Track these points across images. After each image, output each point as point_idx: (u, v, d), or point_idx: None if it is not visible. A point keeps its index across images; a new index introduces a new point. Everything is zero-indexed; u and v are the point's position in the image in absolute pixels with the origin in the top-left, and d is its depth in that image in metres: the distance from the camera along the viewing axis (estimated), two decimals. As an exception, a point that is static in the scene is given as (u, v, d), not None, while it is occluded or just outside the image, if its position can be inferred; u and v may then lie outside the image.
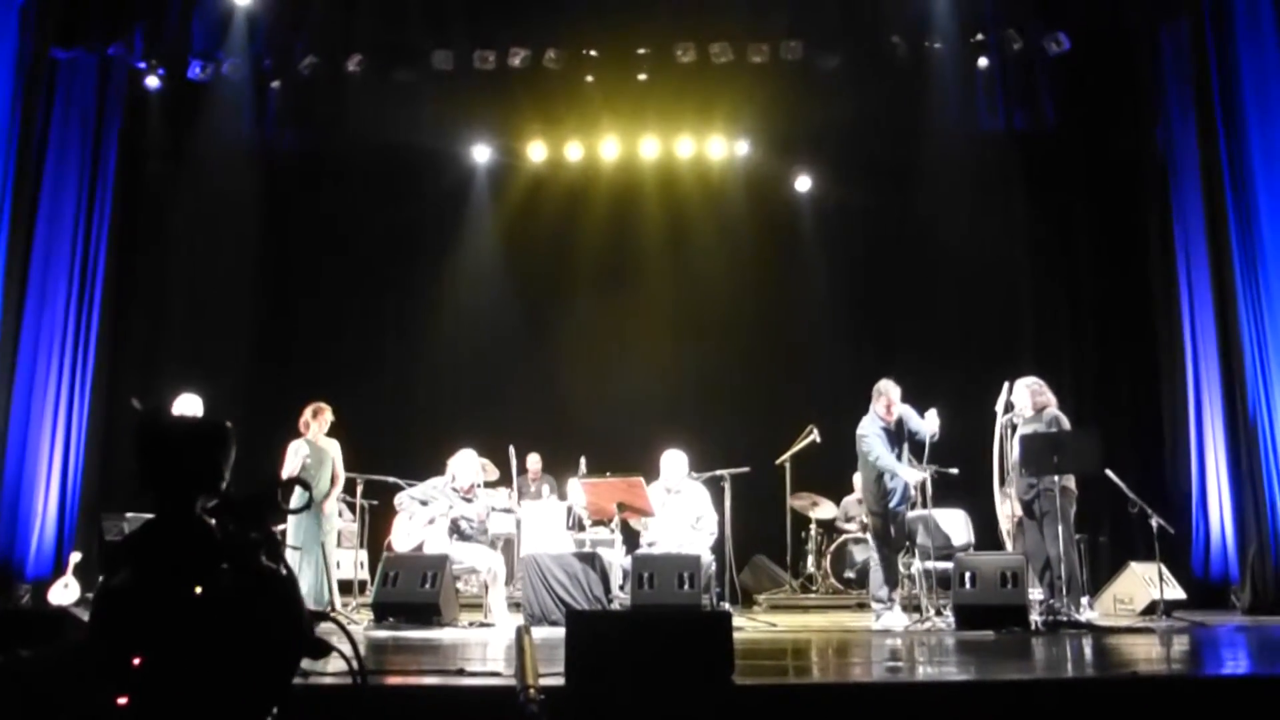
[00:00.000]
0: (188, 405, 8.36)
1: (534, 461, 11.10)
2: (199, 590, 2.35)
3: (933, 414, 7.97)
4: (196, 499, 2.49)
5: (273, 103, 11.56)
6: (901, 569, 8.40)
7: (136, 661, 2.25)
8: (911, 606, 8.29)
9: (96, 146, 10.48)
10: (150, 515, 2.53)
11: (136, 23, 10.56)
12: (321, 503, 8.58)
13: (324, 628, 2.88)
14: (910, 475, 7.98)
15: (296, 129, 11.67)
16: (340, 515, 9.68)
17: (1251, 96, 9.16)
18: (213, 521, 2.45)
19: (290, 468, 8.47)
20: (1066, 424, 7.84)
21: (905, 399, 8.33)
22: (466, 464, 8.62)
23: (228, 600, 2.36)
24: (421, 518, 8.38)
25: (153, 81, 11.10)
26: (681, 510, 8.50)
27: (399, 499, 8.56)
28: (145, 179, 11.09)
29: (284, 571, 2.50)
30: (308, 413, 8.73)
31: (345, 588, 9.44)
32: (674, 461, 8.60)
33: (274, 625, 2.39)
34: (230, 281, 11.38)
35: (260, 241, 11.63)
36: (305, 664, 4.35)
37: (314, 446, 8.61)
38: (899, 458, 8.04)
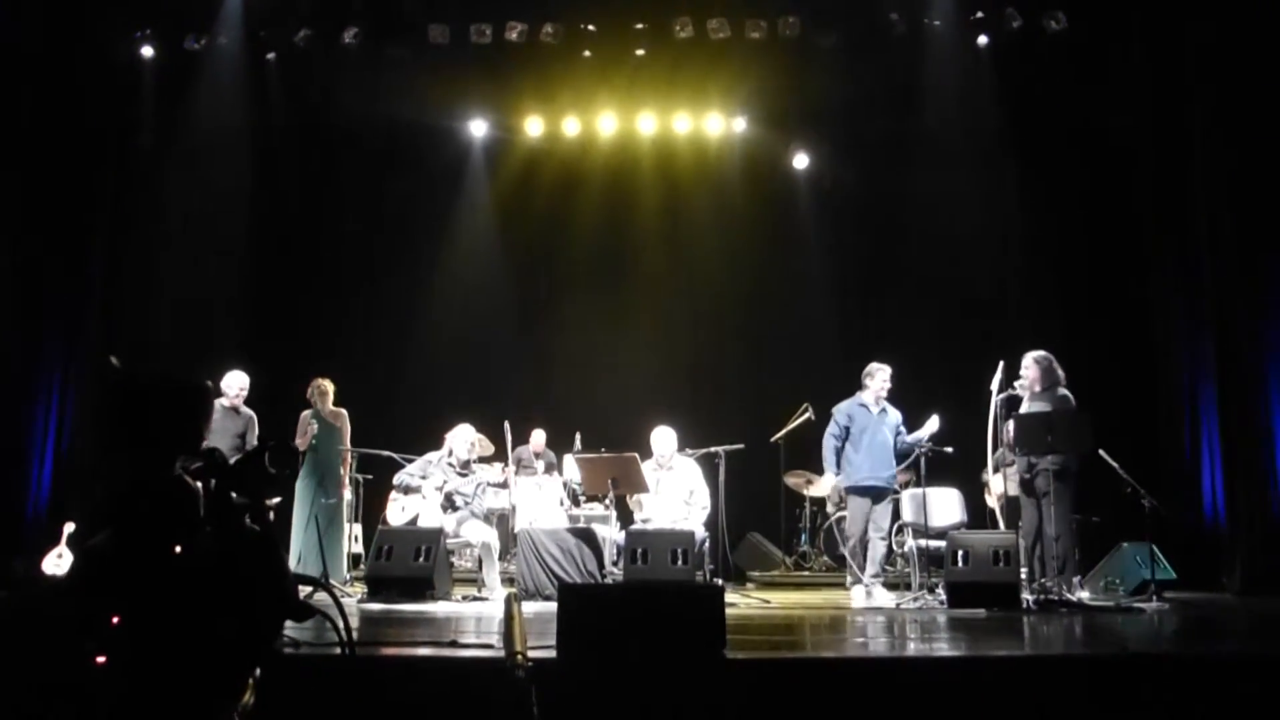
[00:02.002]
0: (235, 381, 8.44)
1: (538, 436, 11.10)
2: (178, 550, 2.34)
3: (933, 420, 8.18)
4: (176, 459, 2.49)
5: (268, 75, 11.47)
6: (895, 548, 8.46)
7: (115, 621, 2.25)
8: (903, 584, 8.34)
9: (90, 116, 10.41)
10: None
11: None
12: (339, 484, 8.74)
13: (317, 597, 2.88)
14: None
15: (291, 101, 11.57)
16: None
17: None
18: (196, 483, 2.44)
19: (300, 439, 8.58)
20: (1073, 404, 7.82)
21: (900, 379, 8.46)
22: (463, 439, 8.66)
23: (208, 561, 2.35)
24: (428, 488, 8.42)
25: (147, 51, 11.02)
26: (674, 486, 8.53)
27: (398, 479, 8.59)
28: (138, 149, 11.02)
29: (267, 534, 2.49)
30: (311, 388, 8.98)
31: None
32: (663, 438, 8.62)
33: (255, 587, 2.38)
34: (224, 254, 11.32)
35: (254, 214, 11.56)
36: (297, 634, 4.37)
37: (322, 419, 8.74)
38: (894, 445, 8.23)
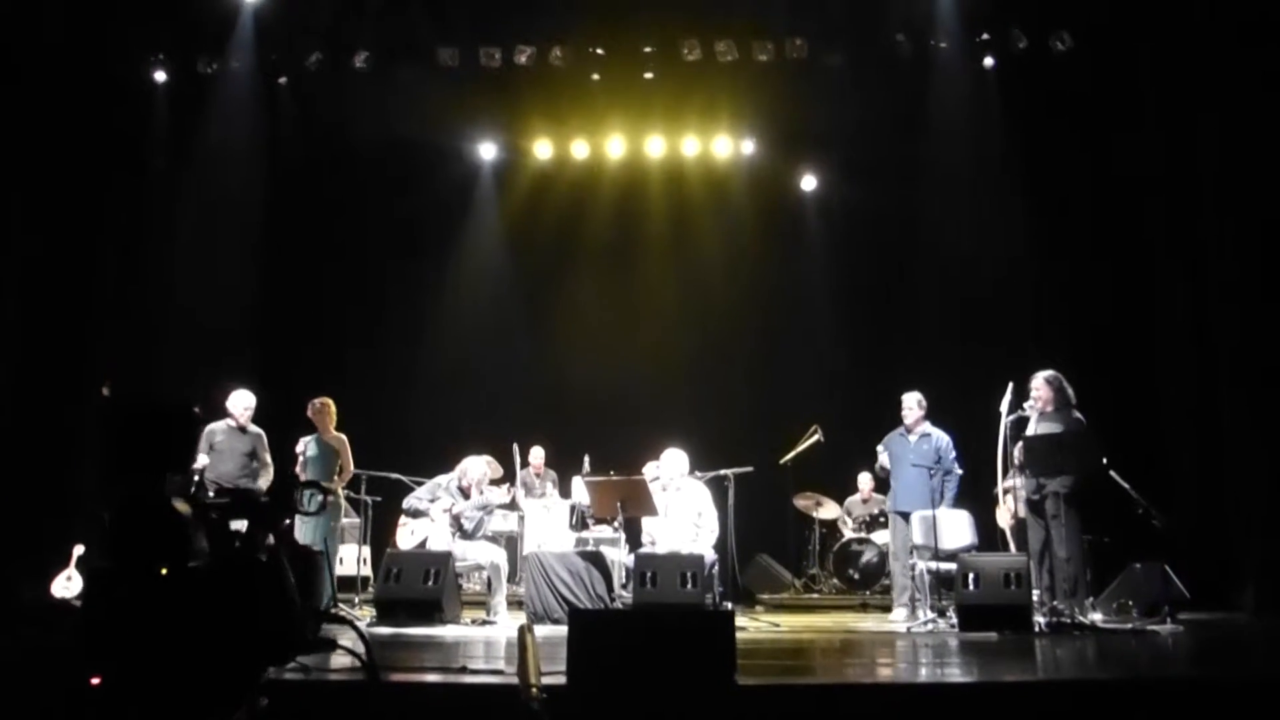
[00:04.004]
0: (240, 400, 8.49)
1: (537, 455, 11.06)
2: (166, 573, 2.36)
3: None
4: (164, 482, 2.50)
5: (279, 98, 11.56)
6: (900, 569, 8.48)
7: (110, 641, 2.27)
8: (911, 607, 8.32)
9: (103, 140, 10.48)
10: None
11: (145, 16, 10.56)
12: (334, 510, 8.72)
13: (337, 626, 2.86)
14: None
15: (302, 125, 11.65)
16: (346, 514, 9.73)
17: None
18: (188, 508, 2.44)
19: (297, 466, 8.60)
20: (1085, 425, 7.77)
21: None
22: (474, 464, 8.67)
23: (200, 585, 2.36)
24: (436, 511, 8.41)
25: (160, 75, 11.11)
26: (682, 508, 8.48)
27: (406, 503, 8.59)
28: (151, 172, 11.09)
29: (272, 563, 2.48)
30: (310, 409, 8.89)
31: (348, 584, 9.47)
32: (672, 460, 8.59)
33: (252, 614, 2.38)
34: (235, 277, 11.36)
35: (265, 237, 11.61)
36: (307, 660, 4.36)
37: (319, 442, 8.72)
38: (931, 474, 8.32)
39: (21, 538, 9.39)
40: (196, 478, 8.23)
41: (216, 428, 8.45)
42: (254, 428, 8.57)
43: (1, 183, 9.73)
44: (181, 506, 2.45)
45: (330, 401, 8.93)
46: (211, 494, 2.68)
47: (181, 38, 10.99)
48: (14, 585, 9.06)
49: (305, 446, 8.75)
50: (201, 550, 2.44)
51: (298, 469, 8.63)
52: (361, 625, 4.78)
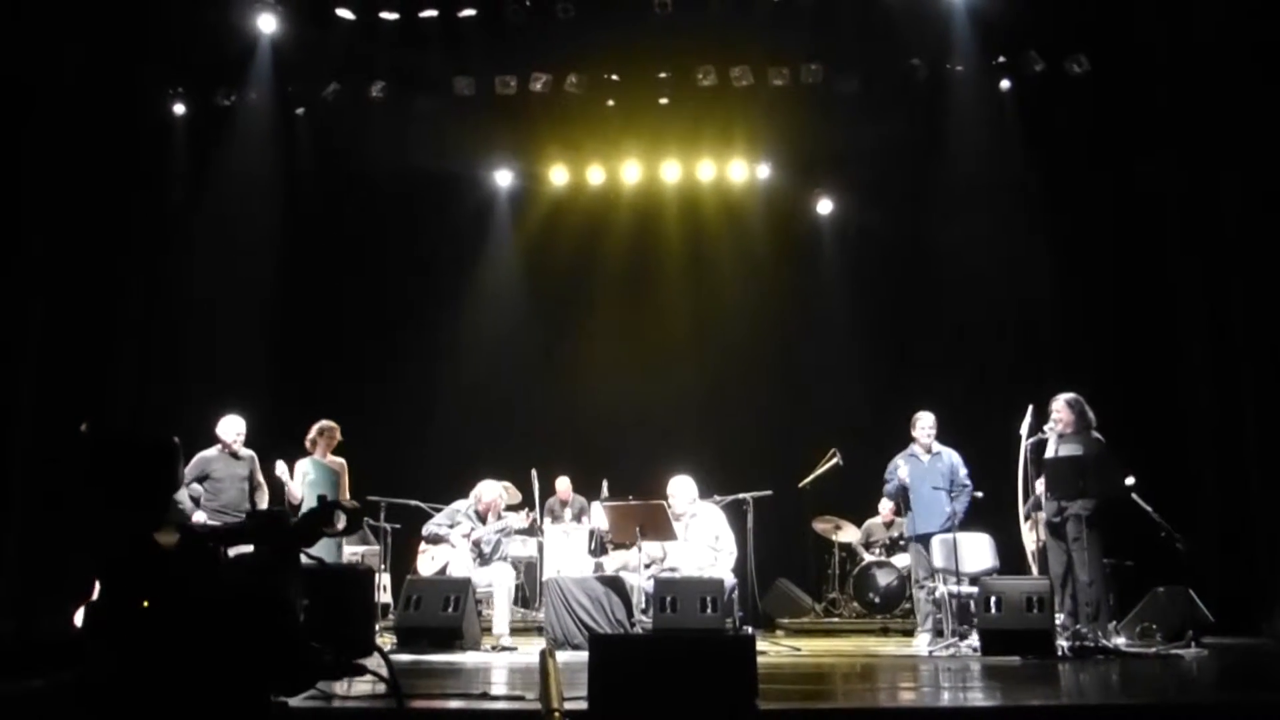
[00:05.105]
0: (232, 426, 8.43)
1: (563, 484, 11.08)
2: (146, 608, 2.37)
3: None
4: (144, 516, 2.51)
5: (297, 129, 11.68)
6: (924, 595, 8.41)
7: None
8: (935, 632, 8.26)
9: (124, 172, 10.58)
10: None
11: (163, 49, 10.70)
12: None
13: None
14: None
15: (320, 155, 11.76)
16: (364, 540, 9.73)
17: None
18: (174, 539, 2.45)
19: (297, 487, 8.53)
20: (1105, 447, 7.73)
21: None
22: (489, 488, 8.69)
23: (180, 618, 2.37)
24: (455, 536, 8.43)
25: (179, 108, 11.25)
26: (698, 533, 8.45)
27: (426, 529, 8.60)
28: (169, 203, 11.19)
29: (272, 593, 2.48)
30: (314, 431, 8.82)
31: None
32: (681, 487, 8.56)
33: (239, 645, 2.38)
34: (253, 306, 11.44)
35: (282, 266, 11.69)
36: (326, 687, 4.36)
37: (319, 465, 8.68)
38: (952, 496, 8.30)
39: (46, 569, 9.43)
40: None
41: (210, 456, 8.32)
42: (246, 451, 8.48)
43: (24, 216, 9.82)
44: (166, 538, 2.45)
45: (336, 426, 8.91)
46: (218, 523, 2.72)
47: (200, 71, 11.12)
48: (37, 617, 9.09)
49: (306, 470, 8.68)
50: (189, 581, 2.44)
51: (295, 490, 8.54)
52: (385, 649, 4.77)
